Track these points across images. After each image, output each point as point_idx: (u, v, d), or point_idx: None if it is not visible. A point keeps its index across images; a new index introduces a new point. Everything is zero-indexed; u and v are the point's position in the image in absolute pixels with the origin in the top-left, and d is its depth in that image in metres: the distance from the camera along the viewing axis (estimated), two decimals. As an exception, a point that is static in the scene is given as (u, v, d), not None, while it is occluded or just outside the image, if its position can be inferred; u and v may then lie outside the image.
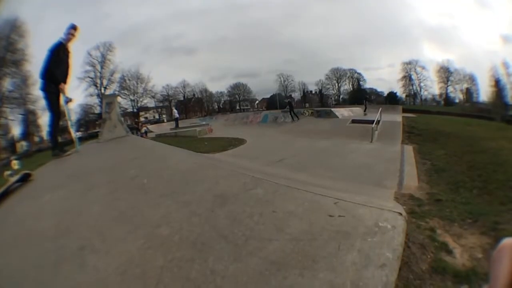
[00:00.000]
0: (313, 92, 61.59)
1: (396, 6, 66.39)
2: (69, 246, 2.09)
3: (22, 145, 41.27)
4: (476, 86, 47.67)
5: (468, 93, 49.52)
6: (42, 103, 32.06)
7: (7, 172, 4.36)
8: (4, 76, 34.38)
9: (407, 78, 54.22)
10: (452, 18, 63.34)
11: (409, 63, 53.19)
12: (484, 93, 44.69)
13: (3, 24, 33.60)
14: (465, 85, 49.71)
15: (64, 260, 1.95)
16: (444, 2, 63.01)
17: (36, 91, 33.94)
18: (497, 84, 41.04)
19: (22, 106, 37.19)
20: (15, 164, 4.65)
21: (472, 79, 48.25)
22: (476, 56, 54.46)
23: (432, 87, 53.32)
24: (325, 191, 2.75)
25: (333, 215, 2.11)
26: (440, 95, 53.32)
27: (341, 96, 59.10)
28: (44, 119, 38.45)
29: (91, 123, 48.22)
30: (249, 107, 60.25)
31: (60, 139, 6.77)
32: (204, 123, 30.36)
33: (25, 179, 4.34)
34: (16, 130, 39.93)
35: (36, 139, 43.21)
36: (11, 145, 39.88)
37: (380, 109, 16.27)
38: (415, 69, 53.59)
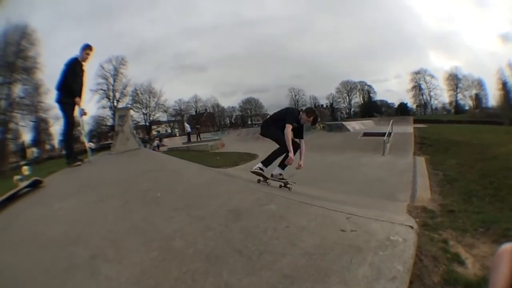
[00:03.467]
0: (324, 106, 61.66)
1: (400, 17, 66.83)
2: (81, 254, 2.11)
3: (33, 152, 41.81)
4: (485, 91, 47.46)
5: (477, 98, 49.20)
6: (54, 112, 32.50)
7: (17, 177, 4.42)
8: (15, 82, 34.85)
9: (417, 88, 54.01)
10: (453, 23, 63.57)
11: (418, 72, 53.09)
12: (493, 97, 44.39)
13: (13, 29, 34.21)
14: (474, 91, 49.47)
15: (75, 268, 1.97)
16: (444, 8, 63.28)
17: (48, 100, 34.60)
18: (504, 87, 40.66)
19: (34, 114, 37.64)
20: (25, 170, 4.69)
21: (480, 84, 48.07)
22: (481, 59, 54.42)
23: (442, 96, 53.06)
24: (337, 206, 2.77)
25: (345, 230, 2.15)
26: (450, 103, 53.02)
27: (352, 109, 59.04)
28: (56, 128, 39.05)
29: (103, 135, 48.82)
30: (260, 121, 60.56)
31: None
32: (216, 137, 30.52)
33: (35, 185, 4.39)
34: (27, 136, 40.49)
35: (47, 146, 43.80)
36: (22, 150, 40.39)
37: (392, 121, 16.19)
38: (424, 78, 53.47)
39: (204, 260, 1.91)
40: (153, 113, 53.24)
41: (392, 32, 65.19)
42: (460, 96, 51.48)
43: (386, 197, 5.75)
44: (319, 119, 5.39)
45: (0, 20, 32.64)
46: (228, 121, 63.02)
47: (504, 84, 40.71)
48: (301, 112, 5.41)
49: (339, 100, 60.30)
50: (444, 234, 3.32)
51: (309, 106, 40.24)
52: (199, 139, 29.03)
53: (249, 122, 61.12)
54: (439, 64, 65.62)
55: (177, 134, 47.33)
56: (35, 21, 37.88)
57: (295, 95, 60.74)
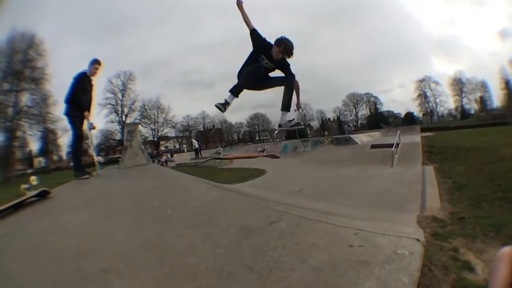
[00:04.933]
0: (331, 119, 61.80)
1: (400, 25, 67.37)
2: (92, 268, 2.11)
3: (40, 161, 42.21)
4: (489, 93, 47.66)
5: (482, 101, 49.19)
6: (62, 123, 33.09)
7: (24, 186, 4.41)
8: (22, 91, 35.37)
9: (422, 96, 54.09)
10: (453, 26, 63.88)
11: (423, 80, 53.43)
12: (497, 97, 44.39)
13: (19, 37, 34.75)
14: (478, 94, 49.65)
15: (86, 280, 1.98)
16: (443, 12, 63.54)
17: (57, 112, 35.21)
18: (507, 86, 40.67)
19: (41, 124, 38.21)
20: (33, 180, 4.68)
21: (484, 86, 48.36)
22: (483, 60, 54.59)
23: (447, 102, 53.30)
24: (345, 222, 2.80)
25: (353, 245, 2.19)
26: (456, 108, 53.23)
27: (359, 122, 59.16)
28: (64, 139, 39.59)
29: (111, 149, 49.36)
30: (268, 137, 60.86)
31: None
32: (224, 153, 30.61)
33: (43, 195, 4.42)
34: (34, 146, 40.98)
35: (55, 157, 44.26)
36: (29, 159, 40.83)
37: (399, 131, 16.10)
38: (429, 86, 53.77)
39: (216, 276, 1.93)
40: (161, 128, 53.86)
41: (394, 41, 65.71)
42: (465, 100, 51.63)
43: (395, 209, 5.72)
44: (291, 47, 4.49)
45: (6, 27, 33.24)
46: (236, 137, 63.37)
47: (507, 83, 40.71)
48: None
49: (346, 113, 60.66)
50: (455, 242, 3.32)
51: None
52: (200, 156, 29.04)
53: (257, 138, 61.44)
54: (443, 69, 66.02)
55: (185, 150, 47.58)
56: (44, 33, 38.54)
57: (302, 110, 61.00)
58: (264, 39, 4.61)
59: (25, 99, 36.08)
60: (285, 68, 4.65)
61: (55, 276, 2.07)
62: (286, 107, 4.75)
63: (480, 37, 64.15)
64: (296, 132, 53.23)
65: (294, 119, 4.79)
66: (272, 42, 4.54)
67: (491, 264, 0.62)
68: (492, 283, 0.62)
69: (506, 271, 0.61)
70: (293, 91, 4.71)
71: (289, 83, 4.69)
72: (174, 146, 56.04)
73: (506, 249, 0.64)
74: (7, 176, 30.92)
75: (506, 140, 11.74)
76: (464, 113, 51.22)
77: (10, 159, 34.20)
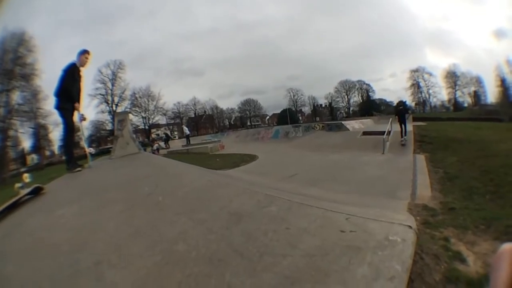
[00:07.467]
0: (323, 105, 61.96)
1: (395, 16, 67.30)
2: (85, 261, 2.11)
3: (33, 158, 41.93)
4: (484, 88, 47.98)
5: (476, 96, 49.52)
6: (53, 118, 32.91)
7: (18, 185, 4.42)
8: (13, 89, 34.99)
9: (416, 86, 54.27)
10: (448, 21, 64.20)
11: (416, 70, 53.50)
12: (492, 94, 44.81)
13: (10, 37, 34.22)
14: (472, 88, 49.94)
15: (80, 274, 1.97)
16: (439, 6, 63.83)
17: (47, 106, 34.95)
18: (503, 84, 41.00)
19: (33, 120, 37.97)
20: (26, 177, 4.67)
21: (479, 81, 48.55)
22: (479, 57, 54.98)
23: (440, 93, 53.59)
24: (337, 207, 2.78)
25: (344, 230, 2.16)
26: (449, 100, 53.51)
27: (351, 108, 59.42)
28: (55, 133, 39.28)
29: (102, 139, 48.98)
30: (260, 122, 60.83)
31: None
32: (215, 139, 30.53)
33: (36, 192, 4.40)
34: (26, 143, 40.64)
35: (47, 153, 43.97)
36: (22, 157, 40.52)
37: (391, 119, 16.20)
38: (423, 76, 53.84)
39: (207, 263, 1.91)
40: (152, 116, 53.46)
41: (387, 31, 65.75)
42: (458, 93, 51.88)
43: (386, 196, 5.78)
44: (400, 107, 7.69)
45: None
46: (227, 123, 63.25)
47: (503, 81, 41.00)
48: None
49: (338, 99, 60.74)
50: (445, 232, 3.35)
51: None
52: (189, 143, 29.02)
53: (249, 123, 61.31)
54: (436, 62, 66.13)
55: (177, 137, 47.42)
56: (33, 28, 37.94)
57: (294, 95, 61.07)
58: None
59: (15, 97, 35.71)
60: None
61: (50, 273, 2.07)
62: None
63: (476, 34, 64.39)
64: (287, 118, 53.67)
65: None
66: None
67: (491, 261, 0.59)
68: (494, 282, 0.59)
69: (508, 270, 0.59)
70: None
71: None
72: (166, 134, 55.89)
73: (506, 246, 0.61)
74: (2, 177, 30.73)
75: (501, 136, 11.94)
76: (457, 105, 51.61)
77: (4, 160, 33.91)
